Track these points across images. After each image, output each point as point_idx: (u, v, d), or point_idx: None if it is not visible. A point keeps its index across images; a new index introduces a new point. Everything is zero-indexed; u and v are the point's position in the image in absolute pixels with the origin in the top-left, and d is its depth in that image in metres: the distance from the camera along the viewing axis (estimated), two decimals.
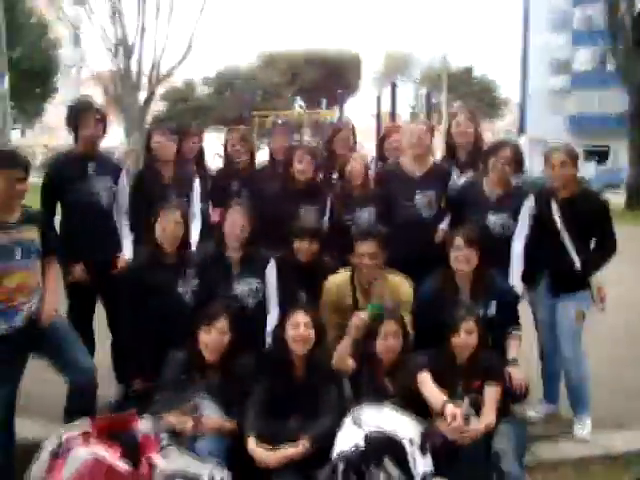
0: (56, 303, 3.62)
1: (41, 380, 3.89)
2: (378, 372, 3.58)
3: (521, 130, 45.62)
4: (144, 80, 24.17)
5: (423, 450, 3.13)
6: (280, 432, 3.33)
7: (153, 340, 3.80)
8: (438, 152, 5.18)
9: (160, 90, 30.65)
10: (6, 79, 14.93)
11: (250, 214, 4.00)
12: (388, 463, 3.02)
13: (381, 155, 4.92)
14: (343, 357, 3.67)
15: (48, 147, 40.52)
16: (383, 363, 3.58)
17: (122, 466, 2.83)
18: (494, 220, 4.12)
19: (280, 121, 5.28)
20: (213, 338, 3.50)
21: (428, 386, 3.44)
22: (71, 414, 3.46)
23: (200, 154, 5.09)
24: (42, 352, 3.55)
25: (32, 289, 3.48)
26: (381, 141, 4.96)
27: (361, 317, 3.67)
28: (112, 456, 2.85)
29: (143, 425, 3.12)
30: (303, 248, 3.97)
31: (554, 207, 3.96)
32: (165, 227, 3.85)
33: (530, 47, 44.29)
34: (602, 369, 4.62)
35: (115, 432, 3.07)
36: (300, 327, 3.51)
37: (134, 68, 23.23)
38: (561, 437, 3.99)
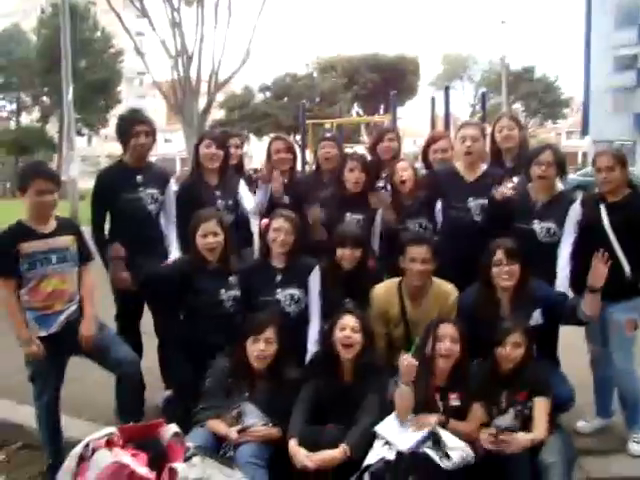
0: (93, 312, 3.79)
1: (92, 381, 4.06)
2: (429, 386, 3.49)
3: (585, 130, 44.34)
4: (204, 88, 24.69)
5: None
6: (321, 437, 3.34)
7: (195, 346, 3.84)
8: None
9: (219, 97, 31.23)
10: (71, 90, 15.47)
11: (296, 223, 4.02)
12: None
13: (425, 161, 4.86)
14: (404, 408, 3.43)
15: (112, 156, 41.78)
16: (435, 376, 3.50)
17: (144, 472, 2.87)
18: (540, 227, 4.01)
19: (328, 134, 5.27)
20: (261, 348, 3.53)
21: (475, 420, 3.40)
22: (122, 409, 3.74)
23: (240, 160, 5.16)
24: (84, 355, 3.74)
25: (68, 296, 3.69)
26: (426, 147, 4.90)
27: (409, 360, 3.40)
28: (136, 463, 2.90)
29: (169, 433, 3.16)
30: (346, 256, 3.95)
31: (603, 212, 3.83)
32: (203, 238, 3.89)
33: (593, 44, 42.99)
34: None
35: (142, 440, 3.12)
36: (347, 330, 3.51)
37: (194, 76, 23.77)
38: (614, 453, 3.84)
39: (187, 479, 2.89)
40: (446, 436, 3.20)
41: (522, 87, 45.90)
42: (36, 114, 39.61)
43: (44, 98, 35.51)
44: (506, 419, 3.37)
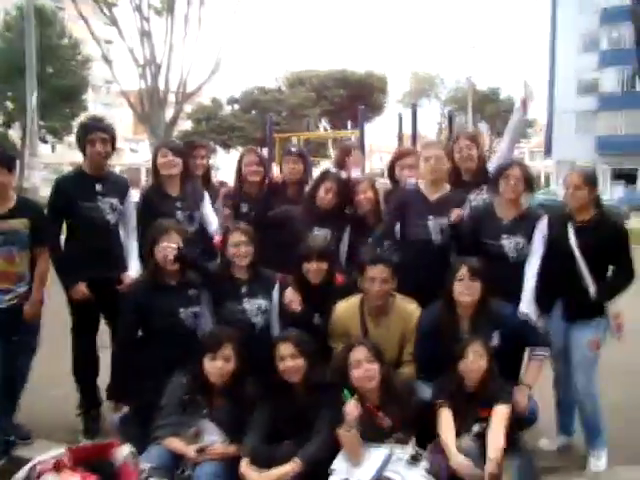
0: (41, 296, 3.94)
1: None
2: (369, 408, 3.44)
3: (548, 151, 45.24)
4: (172, 98, 24.53)
5: None
6: (275, 455, 3.29)
7: (152, 363, 3.76)
8: None
9: (187, 109, 31.09)
10: (36, 96, 15.19)
11: (252, 233, 3.98)
12: None
13: (392, 177, 4.85)
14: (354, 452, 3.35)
15: (75, 164, 41.12)
16: (369, 396, 3.45)
17: None
18: (508, 243, 4.01)
19: (293, 148, 5.25)
20: (218, 366, 3.48)
21: (446, 430, 3.33)
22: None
23: (207, 171, 5.07)
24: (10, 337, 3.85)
25: (15, 277, 3.82)
26: (392, 163, 4.90)
27: (351, 408, 3.34)
28: None
29: (122, 454, 3.06)
30: (312, 269, 3.91)
31: (570, 231, 3.85)
32: (162, 251, 3.79)
33: (557, 68, 44.03)
34: (619, 399, 4.48)
35: (92, 462, 3.02)
36: (286, 360, 3.49)
37: (162, 86, 23.61)
38: (575, 472, 3.83)
39: None
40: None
41: (488, 108, 46.71)
42: None
43: (7, 103, 34.81)
44: (467, 441, 3.32)
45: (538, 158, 53.41)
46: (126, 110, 34.17)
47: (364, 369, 3.39)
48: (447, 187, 4.31)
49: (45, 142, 35.38)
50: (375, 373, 3.41)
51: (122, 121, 51.24)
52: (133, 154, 49.44)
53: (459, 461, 3.17)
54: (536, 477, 3.48)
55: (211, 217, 4.63)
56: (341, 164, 5.07)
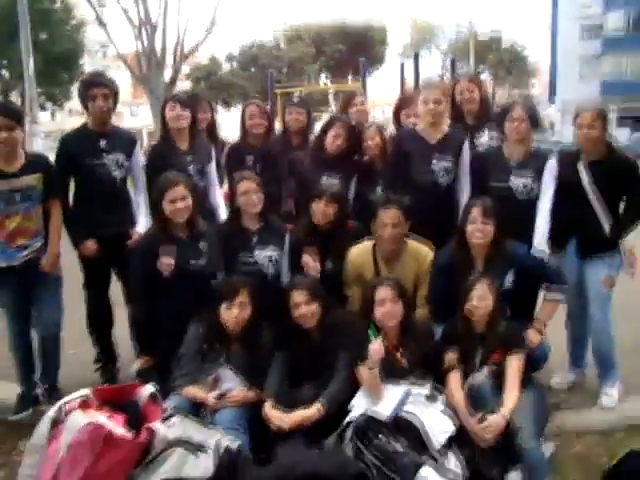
0: (57, 248, 3.99)
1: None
2: (388, 347, 3.46)
3: (552, 96, 44.66)
4: (169, 60, 24.24)
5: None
6: (296, 398, 3.35)
7: (166, 315, 3.79)
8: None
9: (185, 69, 30.73)
10: (31, 63, 15.03)
11: (259, 181, 3.97)
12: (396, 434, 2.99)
13: (398, 125, 4.82)
14: (375, 390, 3.36)
15: None
16: (389, 335, 3.49)
17: (121, 432, 2.83)
18: (517, 182, 3.99)
19: (295, 98, 5.20)
20: (234, 313, 3.51)
21: (455, 390, 3.34)
22: (44, 369, 4.07)
23: (212, 125, 5.03)
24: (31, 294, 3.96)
25: (32, 232, 3.89)
26: (397, 110, 4.87)
27: (375, 348, 3.32)
28: (112, 424, 2.86)
29: (145, 393, 3.13)
30: (320, 209, 3.91)
31: (581, 169, 3.82)
32: (171, 204, 3.76)
33: (559, 11, 43.17)
34: (629, 337, 4.50)
35: (117, 402, 3.09)
36: (301, 307, 3.53)
37: (158, 47, 23.31)
38: (587, 406, 3.90)
39: (166, 438, 2.87)
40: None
41: (489, 57, 45.96)
42: None
43: (3, 72, 34.46)
44: (480, 377, 3.34)
45: (541, 107, 52.76)
46: (124, 73, 33.83)
47: (387, 307, 3.42)
48: (445, 127, 4.29)
49: (44, 109, 35.14)
50: (398, 312, 3.44)
51: (120, 85, 50.74)
52: (133, 118, 49.01)
53: (471, 423, 3.18)
54: (548, 413, 3.51)
55: (214, 177, 4.60)
56: (344, 111, 5.01)
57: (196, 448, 2.90)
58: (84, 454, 2.71)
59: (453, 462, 3.03)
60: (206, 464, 2.87)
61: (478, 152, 4.33)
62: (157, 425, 2.91)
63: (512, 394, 3.24)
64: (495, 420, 3.11)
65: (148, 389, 3.18)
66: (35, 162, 3.89)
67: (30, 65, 14.77)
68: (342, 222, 4.02)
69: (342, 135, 4.39)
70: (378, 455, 2.98)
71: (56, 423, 2.87)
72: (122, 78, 46.66)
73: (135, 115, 50.21)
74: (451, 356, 3.43)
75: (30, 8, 15.39)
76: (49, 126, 37.94)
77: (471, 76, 4.70)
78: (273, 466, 2.98)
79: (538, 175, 3.96)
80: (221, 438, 3.02)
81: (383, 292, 3.45)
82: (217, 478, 2.88)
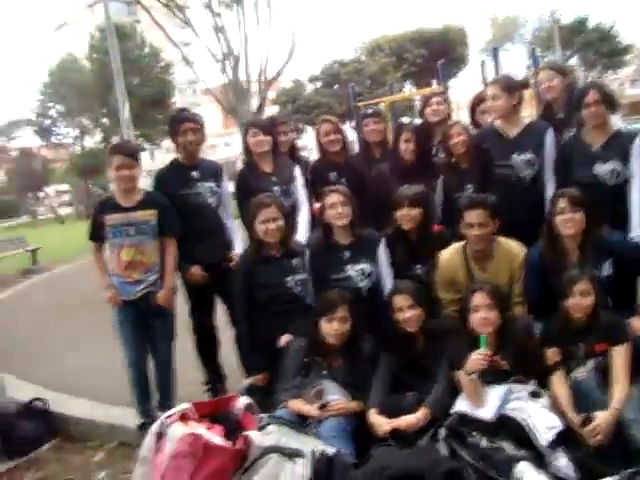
0: (173, 283, 4.21)
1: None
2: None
3: None
4: (255, 88, 24.90)
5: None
6: (400, 405, 3.37)
7: (268, 335, 3.89)
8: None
9: (271, 94, 31.42)
10: (127, 107, 15.90)
11: (348, 194, 4.00)
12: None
13: (474, 122, 4.77)
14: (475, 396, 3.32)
15: None
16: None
17: (219, 441, 2.94)
18: (603, 169, 3.85)
19: (369, 110, 5.21)
20: (335, 327, 3.58)
21: (559, 391, 3.24)
22: (161, 390, 4.32)
23: (293, 146, 5.15)
24: (149, 327, 4.21)
25: (145, 266, 4.11)
26: (473, 108, 4.81)
27: (481, 357, 3.28)
28: (210, 434, 2.97)
29: (242, 404, 3.24)
30: (404, 215, 3.91)
31: None
32: (263, 224, 3.91)
33: None
34: None
35: (216, 414, 3.22)
36: (404, 311, 3.54)
37: (243, 77, 24.00)
38: None
39: (261, 446, 2.93)
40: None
41: (576, 40, 44.15)
42: (98, 136, 40.92)
43: (104, 120, 36.63)
44: (584, 371, 3.25)
45: (638, 86, 50.06)
46: (213, 107, 35.08)
47: (482, 315, 3.37)
48: (526, 121, 4.20)
49: (143, 150, 36.99)
50: (493, 319, 3.38)
51: (212, 118, 52.59)
52: (227, 148, 50.60)
53: (578, 425, 3.08)
54: None
55: (298, 196, 4.65)
56: (421, 113, 4.99)
57: (292, 454, 2.96)
58: (186, 463, 2.83)
59: (564, 462, 2.92)
60: (302, 470, 2.91)
61: (559, 144, 4.17)
62: (253, 433, 2.99)
63: (621, 387, 3.12)
64: (604, 418, 3.01)
65: (244, 400, 3.30)
66: (151, 199, 4.16)
67: (126, 109, 15.60)
68: (428, 225, 4.01)
69: (412, 138, 4.39)
70: (472, 453, 2.95)
71: (160, 436, 3.02)
72: (213, 112, 48.52)
73: (228, 145, 51.79)
74: (553, 356, 3.35)
75: (122, 57, 16.35)
76: (149, 165, 39.82)
77: (550, 64, 4.55)
78: (367, 467, 3.00)
79: (625, 157, 3.81)
80: (318, 445, 3.07)
81: (478, 299, 3.41)
82: None
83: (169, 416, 3.06)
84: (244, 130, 4.73)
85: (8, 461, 4.35)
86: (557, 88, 4.34)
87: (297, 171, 4.71)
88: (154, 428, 3.04)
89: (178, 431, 2.93)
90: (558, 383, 3.26)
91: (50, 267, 14.59)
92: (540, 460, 2.89)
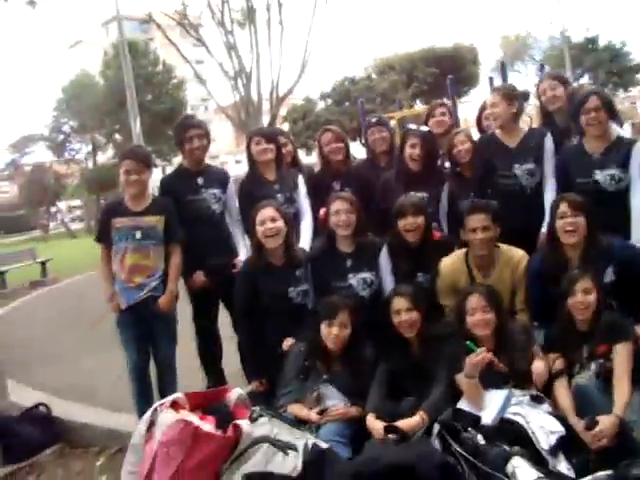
0: (175, 288, 4.19)
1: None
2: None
3: None
4: (266, 105, 25.07)
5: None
6: (398, 409, 3.35)
7: (269, 342, 3.92)
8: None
9: (282, 112, 31.60)
10: (138, 123, 16.06)
11: (353, 201, 4.00)
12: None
13: (481, 129, 4.79)
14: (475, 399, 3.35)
15: None
16: (485, 342, 3.42)
17: (209, 429, 2.94)
18: (603, 176, 3.85)
19: (373, 119, 5.23)
20: (335, 332, 3.58)
21: (561, 397, 3.24)
22: (162, 394, 4.12)
23: (293, 156, 5.15)
24: (150, 331, 4.19)
25: (148, 270, 4.10)
26: (478, 117, 4.83)
27: (480, 358, 3.29)
28: (201, 422, 2.97)
29: (234, 396, 3.25)
30: (408, 225, 3.89)
31: None
32: (261, 225, 3.92)
33: None
34: None
35: (208, 405, 3.23)
36: (401, 314, 3.54)
37: (254, 95, 24.18)
38: None
39: (252, 435, 2.94)
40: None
41: (587, 59, 44.19)
42: (110, 152, 41.24)
43: (116, 136, 36.92)
44: (587, 376, 3.23)
45: None
46: (225, 124, 35.33)
47: (478, 317, 3.38)
48: (524, 129, 4.21)
49: (155, 166, 37.25)
50: (489, 321, 3.39)
51: (223, 135, 52.93)
52: (237, 165, 50.90)
53: (580, 428, 3.06)
54: None
55: (301, 203, 4.65)
56: (426, 125, 4.97)
57: (284, 447, 2.96)
58: (176, 450, 2.84)
59: (565, 466, 2.91)
60: (295, 463, 2.91)
61: (559, 151, 4.18)
62: (243, 422, 3.00)
63: (622, 387, 3.10)
64: (609, 421, 2.98)
65: (237, 391, 3.32)
66: (159, 204, 4.19)
67: (137, 125, 15.76)
68: (429, 232, 4.00)
69: (418, 143, 4.34)
70: (466, 448, 2.92)
71: (152, 424, 3.03)
72: (224, 129, 48.82)
73: (239, 162, 52.07)
74: (556, 362, 3.33)
75: (135, 74, 16.55)
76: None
77: (552, 74, 4.55)
78: (358, 459, 3.00)
79: (625, 164, 3.82)
80: (310, 440, 3.07)
81: (473, 301, 3.43)
82: (305, 474, 2.91)
83: (161, 404, 3.07)
84: (247, 139, 4.76)
85: (10, 465, 4.36)
86: (560, 98, 4.34)
87: (300, 179, 4.73)
88: (145, 416, 3.05)
89: (168, 418, 2.94)
90: (560, 388, 3.25)
91: (60, 279, 14.70)
92: (540, 464, 2.86)
